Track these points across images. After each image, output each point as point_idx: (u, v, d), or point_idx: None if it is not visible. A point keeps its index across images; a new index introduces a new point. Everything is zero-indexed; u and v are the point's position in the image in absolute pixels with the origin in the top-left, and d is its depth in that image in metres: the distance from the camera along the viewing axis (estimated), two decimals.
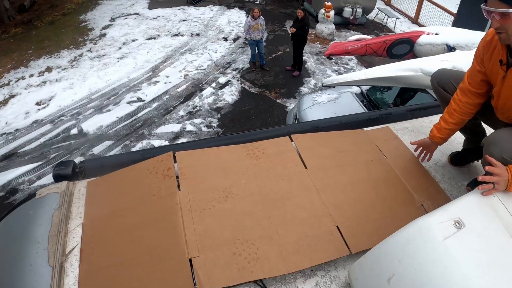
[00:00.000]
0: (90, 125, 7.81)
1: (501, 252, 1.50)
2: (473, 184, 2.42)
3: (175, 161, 2.34)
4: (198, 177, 2.27)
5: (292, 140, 2.60)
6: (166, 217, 2.03)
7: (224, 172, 2.33)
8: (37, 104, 8.81)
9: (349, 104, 6.63)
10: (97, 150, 7.18)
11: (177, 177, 2.25)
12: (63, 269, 1.76)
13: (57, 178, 2.22)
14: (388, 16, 14.44)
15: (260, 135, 2.65)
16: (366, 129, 2.86)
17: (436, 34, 7.36)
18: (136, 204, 2.13)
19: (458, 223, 1.50)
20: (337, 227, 2.04)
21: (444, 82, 2.41)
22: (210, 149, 2.47)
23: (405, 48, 7.66)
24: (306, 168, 2.40)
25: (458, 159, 2.67)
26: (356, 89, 7.05)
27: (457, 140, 2.73)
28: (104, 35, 12.40)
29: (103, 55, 11.01)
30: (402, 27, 14.60)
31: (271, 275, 1.80)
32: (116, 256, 1.89)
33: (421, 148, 2.51)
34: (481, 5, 1.75)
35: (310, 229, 2.03)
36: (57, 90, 9.30)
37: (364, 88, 7.03)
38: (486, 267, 1.43)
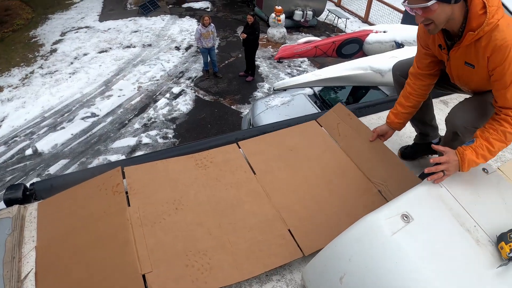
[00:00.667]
0: (45, 144, 7.71)
1: (450, 242, 1.59)
2: (423, 176, 2.55)
3: (124, 177, 2.36)
4: (147, 191, 2.30)
5: (239, 147, 2.65)
6: (117, 234, 2.04)
7: (173, 184, 2.37)
8: None
9: (302, 106, 6.74)
10: (53, 169, 7.11)
11: (126, 192, 2.27)
12: None
13: (8, 203, 2.23)
14: (339, 17, 14.74)
15: (208, 144, 2.70)
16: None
17: (384, 32, 7.56)
18: (88, 223, 2.13)
19: (406, 217, 1.56)
20: (289, 230, 2.11)
21: (404, 71, 2.51)
22: (158, 162, 2.50)
23: (354, 47, 7.85)
24: (254, 173, 2.47)
25: (408, 154, 2.81)
26: (308, 91, 7.18)
27: (407, 134, 2.85)
28: (55, 50, 12.19)
29: (54, 71, 10.84)
30: (352, 27, 14.91)
31: (226, 283, 1.85)
32: (70, 278, 1.91)
33: (377, 136, 2.60)
34: (402, 3, 1.88)
35: (261, 234, 2.10)
36: (9, 110, 9.11)
37: (317, 89, 7.16)
38: (435, 257, 1.49)
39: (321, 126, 2.90)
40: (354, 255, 1.49)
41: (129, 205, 2.19)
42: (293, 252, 1.99)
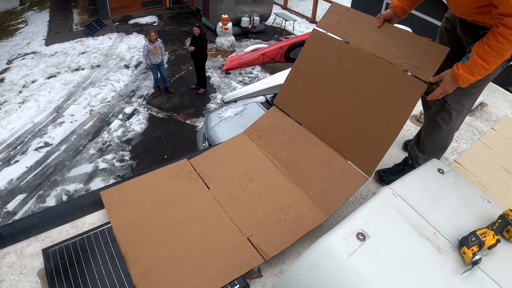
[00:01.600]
0: (0, 180, 7.55)
1: (410, 254, 1.55)
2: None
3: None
4: (218, 173, 2.61)
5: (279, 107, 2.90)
6: (207, 211, 2.33)
7: (237, 160, 2.70)
8: None
9: (255, 114, 6.73)
10: (11, 206, 6.95)
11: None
12: None
13: None
14: (286, 20, 14.95)
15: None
16: None
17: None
18: (168, 206, 2.37)
19: (362, 235, 1.53)
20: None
21: None
22: (213, 148, 2.87)
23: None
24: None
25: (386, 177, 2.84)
26: (261, 98, 7.21)
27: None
28: (2, 80, 11.92)
29: (3, 102, 10.61)
30: (301, 28, 15.16)
31: (315, 225, 2.21)
32: (163, 253, 2.11)
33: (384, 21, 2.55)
34: None
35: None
36: None
37: (269, 96, 7.23)
38: (395, 273, 1.46)
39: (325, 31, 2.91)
40: (311, 282, 1.46)
41: (208, 188, 2.49)
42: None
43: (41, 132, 9.04)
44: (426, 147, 2.69)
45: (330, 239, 1.52)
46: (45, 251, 2.13)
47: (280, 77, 5.80)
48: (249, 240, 2.16)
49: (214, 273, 1.99)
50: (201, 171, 2.61)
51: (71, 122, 9.41)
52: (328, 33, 2.84)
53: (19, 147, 8.59)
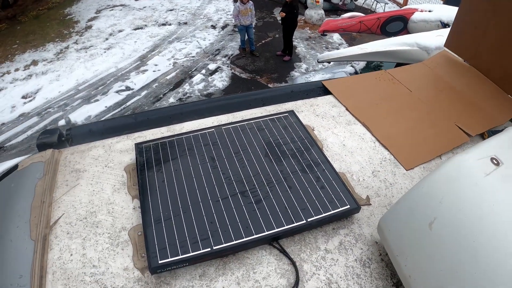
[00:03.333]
0: (78, 116, 7.58)
1: None
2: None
3: None
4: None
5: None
6: (416, 104, 2.26)
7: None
8: (23, 97, 8.57)
9: None
10: None
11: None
12: (47, 242, 1.55)
13: (41, 147, 2.01)
14: (377, 1, 14.31)
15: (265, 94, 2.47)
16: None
17: (429, 11, 7.21)
18: (386, 99, 2.31)
19: (496, 161, 1.32)
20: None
21: None
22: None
23: (398, 25, 7.50)
24: None
25: None
26: (350, 69, 6.89)
27: None
28: (90, 27, 12.13)
29: (89, 47, 10.76)
30: None
31: None
32: (396, 127, 2.12)
33: None
34: None
35: None
36: (43, 83, 9.06)
37: (358, 67, 6.85)
38: None
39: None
40: (445, 196, 1.27)
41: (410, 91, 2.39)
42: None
43: (123, 77, 9.04)
44: None
45: (466, 157, 1.34)
46: (139, 145, 1.86)
47: (377, 45, 5.43)
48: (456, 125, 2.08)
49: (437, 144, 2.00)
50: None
51: (154, 71, 9.37)
52: None
53: (100, 88, 8.63)
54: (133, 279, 1.34)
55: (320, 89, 2.49)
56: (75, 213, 1.58)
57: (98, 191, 1.69)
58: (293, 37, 10.35)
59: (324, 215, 1.50)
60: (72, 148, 2.01)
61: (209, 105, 2.31)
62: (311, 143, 1.88)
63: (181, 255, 1.32)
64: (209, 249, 1.34)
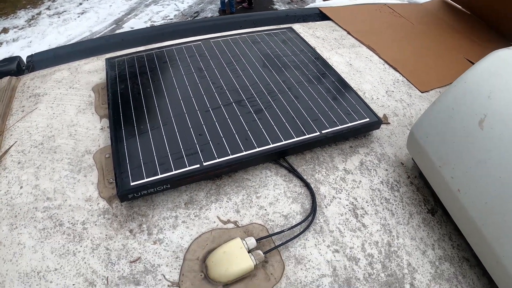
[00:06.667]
0: None
1: None
2: None
3: None
4: None
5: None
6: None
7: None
8: None
9: None
10: None
11: None
12: None
13: None
14: None
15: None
16: None
17: None
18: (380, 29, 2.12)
19: None
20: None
21: None
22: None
23: None
24: None
25: None
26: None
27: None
28: None
29: (62, 12, 10.24)
30: None
31: None
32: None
33: None
34: None
35: None
36: (14, 50, 8.59)
37: None
38: None
39: None
40: (495, 90, 1.04)
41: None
42: None
43: None
44: None
45: (509, 52, 1.10)
46: (110, 60, 1.55)
47: None
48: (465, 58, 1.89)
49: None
50: None
51: None
52: None
53: None
54: (97, 211, 1.03)
55: (317, 15, 2.24)
56: (30, 140, 1.28)
57: (59, 113, 1.38)
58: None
59: (341, 127, 1.20)
60: (33, 73, 1.70)
61: (194, 25, 2.02)
62: (316, 56, 1.58)
63: (161, 174, 1.00)
64: (198, 165, 1.03)
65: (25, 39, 9.05)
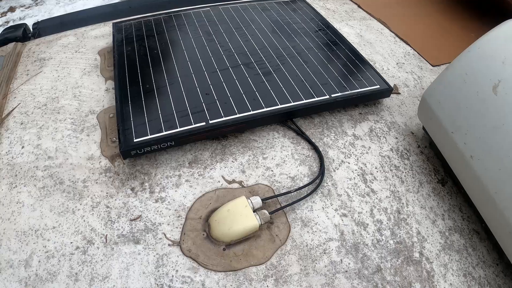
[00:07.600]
0: None
1: None
2: None
3: None
4: None
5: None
6: None
7: None
8: None
9: None
10: None
11: None
12: None
13: (4, 43, 1.68)
14: None
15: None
16: None
17: None
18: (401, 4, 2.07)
19: None
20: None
21: None
22: None
23: None
24: None
25: None
26: None
27: None
28: None
29: None
30: None
31: None
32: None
33: None
34: None
35: None
36: None
37: None
38: None
39: None
40: (509, 56, 1.00)
41: None
42: None
43: None
44: None
45: None
46: (117, 24, 1.53)
47: None
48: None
49: None
50: None
51: None
52: None
53: None
54: (99, 170, 1.01)
55: None
56: (33, 101, 1.26)
57: (64, 76, 1.37)
58: None
59: (351, 92, 1.18)
60: (39, 39, 1.70)
61: None
62: (326, 24, 1.56)
63: (165, 131, 0.98)
64: (204, 123, 1.00)
65: (32, 17, 8.94)
